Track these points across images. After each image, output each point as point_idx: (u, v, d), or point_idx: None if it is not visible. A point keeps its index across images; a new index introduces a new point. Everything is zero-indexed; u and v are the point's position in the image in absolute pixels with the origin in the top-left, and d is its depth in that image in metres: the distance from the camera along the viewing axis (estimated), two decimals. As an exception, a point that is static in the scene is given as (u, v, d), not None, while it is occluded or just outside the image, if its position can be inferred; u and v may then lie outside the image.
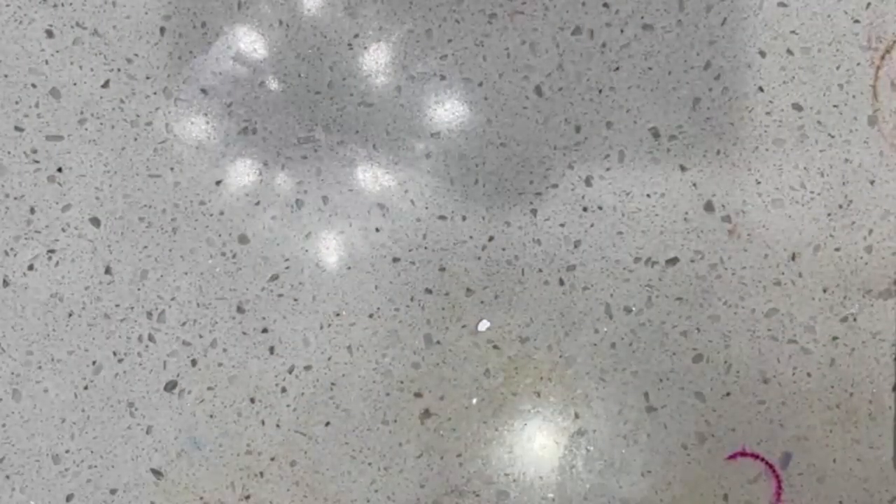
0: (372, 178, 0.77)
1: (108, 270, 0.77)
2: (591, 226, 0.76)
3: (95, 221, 0.77)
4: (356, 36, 0.78)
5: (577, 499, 0.74)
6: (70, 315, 0.76)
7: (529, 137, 0.77)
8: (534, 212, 0.76)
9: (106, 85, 0.78)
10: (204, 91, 0.78)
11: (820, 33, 0.77)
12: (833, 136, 0.76)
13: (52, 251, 0.77)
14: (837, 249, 0.75)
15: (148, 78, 0.78)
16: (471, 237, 0.76)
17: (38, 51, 0.78)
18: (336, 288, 0.76)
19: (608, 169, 0.76)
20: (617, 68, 0.77)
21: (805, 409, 0.74)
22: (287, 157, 0.77)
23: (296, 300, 0.76)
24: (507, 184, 0.77)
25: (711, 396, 0.74)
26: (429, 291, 0.76)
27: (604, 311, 0.76)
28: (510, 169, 0.77)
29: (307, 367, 0.76)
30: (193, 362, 0.76)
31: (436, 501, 0.74)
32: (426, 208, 0.77)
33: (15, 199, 0.77)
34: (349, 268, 0.76)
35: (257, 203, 0.77)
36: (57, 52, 0.78)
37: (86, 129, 0.78)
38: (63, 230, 0.77)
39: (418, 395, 0.75)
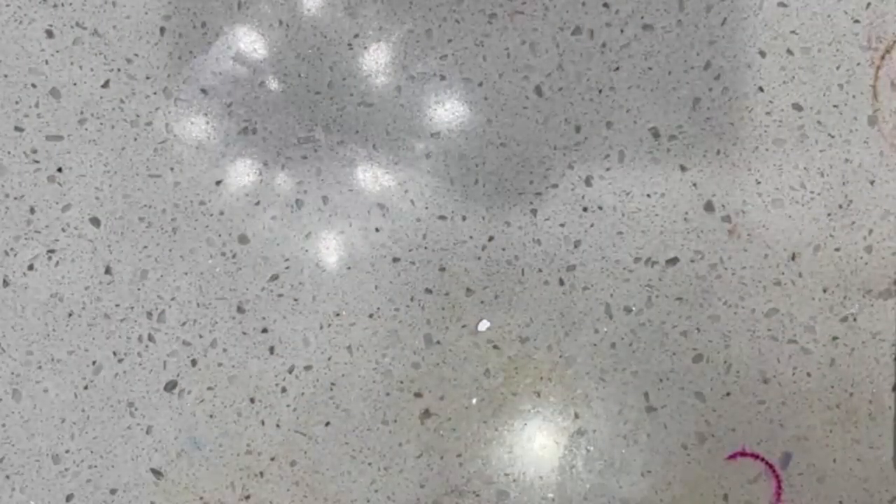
0: (372, 178, 0.77)
1: (108, 270, 0.77)
2: (591, 226, 0.76)
3: (95, 221, 0.77)
4: (356, 36, 0.78)
5: (577, 499, 0.74)
6: (70, 315, 0.76)
7: (529, 137, 0.77)
8: (534, 212, 0.76)
9: (106, 85, 0.78)
10: (204, 91, 0.78)
11: (820, 33, 0.77)
12: (833, 136, 0.76)
13: (52, 251, 0.77)
14: (837, 249, 0.75)
15: (148, 78, 0.78)
16: (471, 237, 0.76)
17: (38, 51, 0.78)
18: (336, 288, 0.76)
19: (608, 169, 0.76)
20: (617, 68, 0.77)
21: (805, 409, 0.74)
22: (287, 157, 0.77)
23: (296, 300, 0.76)
24: (507, 184, 0.77)
25: (711, 396, 0.74)
26: (429, 291, 0.76)
27: (604, 311, 0.75)
28: (510, 169, 0.77)
29: (307, 367, 0.76)
30: (193, 362, 0.76)
31: (436, 501, 0.74)
32: (426, 208, 0.77)
33: (15, 199, 0.77)
34: (349, 268, 0.76)
35: (257, 203, 0.77)
36: (57, 52, 0.78)
37: (86, 129, 0.78)
38: (63, 230, 0.77)
39: (418, 395, 0.75)
